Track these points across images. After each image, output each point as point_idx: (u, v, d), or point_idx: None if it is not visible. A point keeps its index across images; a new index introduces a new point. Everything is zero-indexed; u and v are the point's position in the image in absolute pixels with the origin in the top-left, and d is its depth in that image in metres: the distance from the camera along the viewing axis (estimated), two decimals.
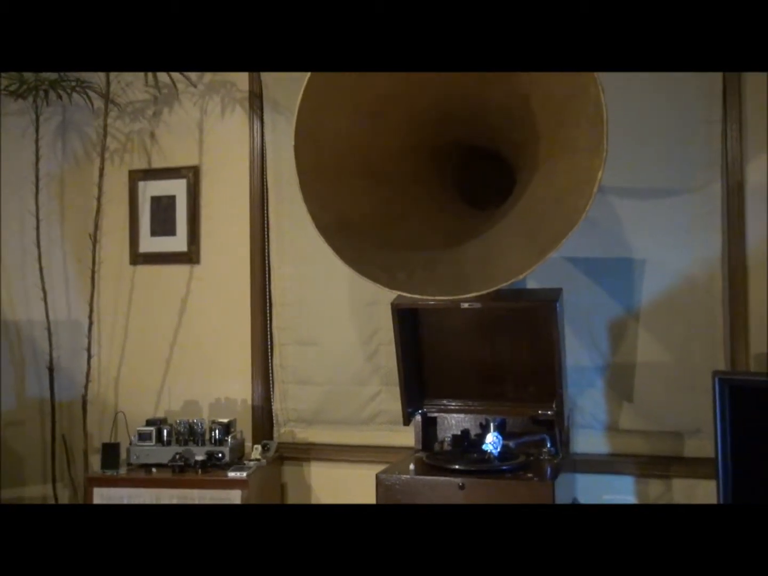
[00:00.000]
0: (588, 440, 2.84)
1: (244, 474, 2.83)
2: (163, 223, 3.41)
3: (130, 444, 3.02)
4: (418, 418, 2.72)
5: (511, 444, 2.49)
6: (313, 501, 3.19)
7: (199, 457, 2.92)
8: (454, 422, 2.72)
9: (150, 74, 3.15)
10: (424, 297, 2.17)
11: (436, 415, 2.74)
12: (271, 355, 3.27)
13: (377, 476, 2.38)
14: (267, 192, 3.28)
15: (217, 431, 3.00)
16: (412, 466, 2.45)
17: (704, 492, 2.66)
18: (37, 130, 3.28)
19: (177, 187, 3.39)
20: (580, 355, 2.82)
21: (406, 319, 2.64)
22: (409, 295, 2.16)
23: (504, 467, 2.36)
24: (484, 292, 2.05)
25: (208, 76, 3.36)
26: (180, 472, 2.90)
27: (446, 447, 2.64)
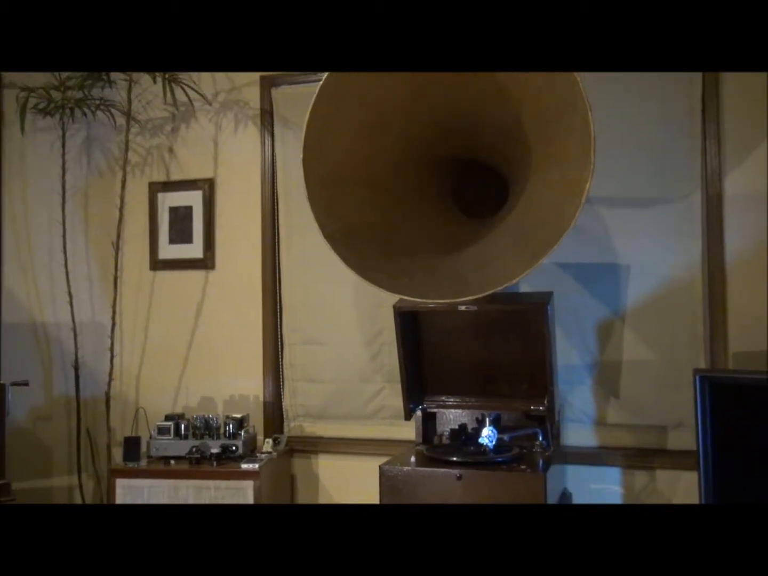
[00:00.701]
0: (577, 434, 2.83)
1: (257, 466, 2.82)
2: (180, 232, 3.40)
3: (150, 438, 3.02)
4: (419, 413, 2.71)
5: (505, 437, 2.48)
6: (321, 491, 3.18)
7: (215, 450, 2.92)
8: (452, 417, 2.71)
9: (168, 93, 3.14)
10: (425, 300, 2.16)
11: (435, 410, 2.73)
12: (282, 354, 3.27)
13: (380, 468, 2.37)
14: (277, 202, 3.28)
15: (231, 426, 3.00)
16: (412, 459, 2.45)
17: (686, 483, 2.66)
18: (63, 146, 3.29)
19: (193, 198, 3.39)
20: (570, 354, 2.81)
21: (408, 321, 2.64)
22: (410, 298, 2.16)
23: (499, 459, 2.35)
24: (480, 295, 2.04)
25: (222, 94, 3.36)
26: (196, 463, 2.89)
27: (445, 440, 2.63)
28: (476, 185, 2.55)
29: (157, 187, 3.45)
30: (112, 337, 3.26)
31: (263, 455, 2.95)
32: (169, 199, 3.43)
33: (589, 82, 1.92)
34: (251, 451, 3.02)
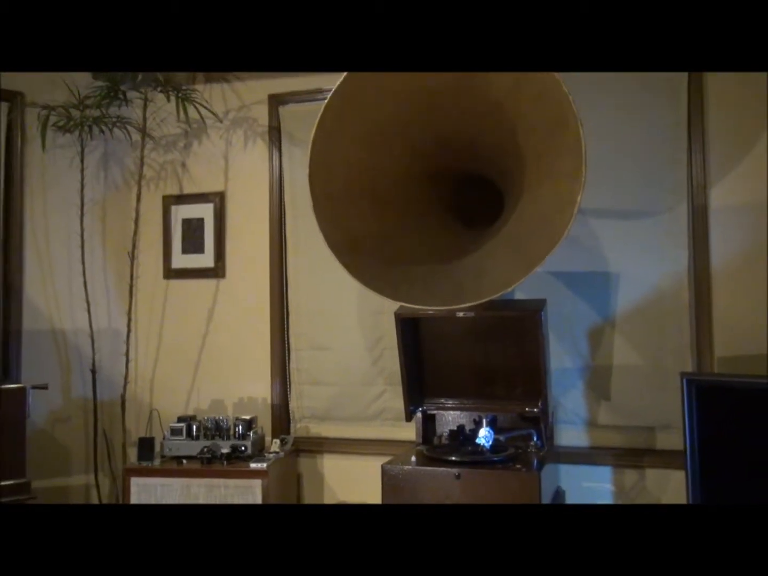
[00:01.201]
0: (570, 434, 2.82)
1: (265, 465, 2.81)
2: (192, 243, 3.40)
3: (164, 438, 3.01)
4: (419, 414, 2.70)
5: (501, 438, 2.47)
6: (326, 489, 3.17)
7: (225, 450, 2.91)
8: (450, 418, 2.70)
9: (181, 111, 3.15)
10: (424, 307, 2.16)
11: (434, 412, 2.72)
12: (288, 359, 3.26)
13: (382, 467, 2.36)
14: (284, 214, 3.28)
15: (240, 427, 2.98)
16: (413, 458, 2.44)
17: (674, 481, 2.64)
18: (82, 161, 3.29)
19: (205, 211, 3.39)
20: (562, 358, 2.80)
21: (408, 327, 2.63)
22: (410, 305, 2.15)
23: (495, 459, 2.34)
24: (477, 302, 2.03)
25: (232, 112, 3.36)
26: (207, 463, 2.88)
27: (444, 441, 2.62)
28: (474, 197, 2.55)
29: (170, 200, 3.45)
30: (127, 343, 3.25)
31: (271, 455, 2.94)
32: (182, 212, 3.43)
33: (578, 98, 1.92)
34: (259, 451, 3.01)
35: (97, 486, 3.33)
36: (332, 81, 2.14)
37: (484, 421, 2.50)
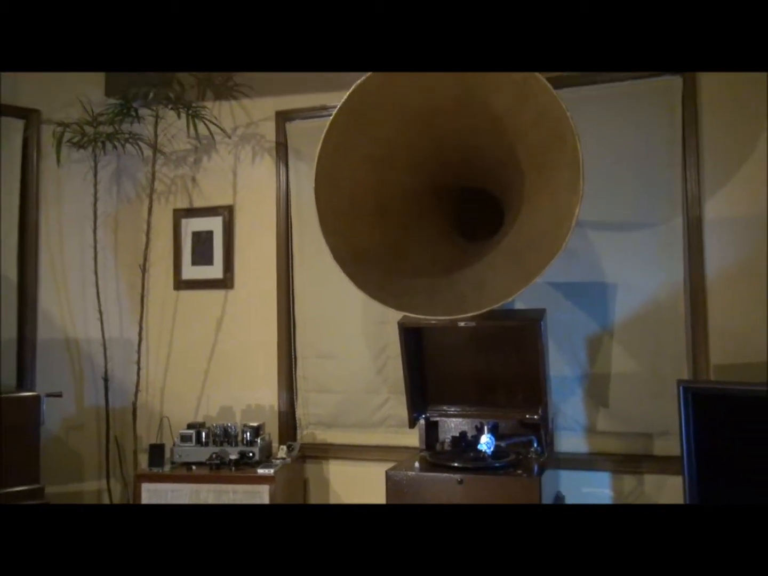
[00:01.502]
0: (570, 441, 2.82)
1: (272, 471, 2.82)
2: (202, 254, 3.42)
3: (174, 445, 3.01)
4: (422, 421, 2.70)
5: (502, 444, 2.47)
6: (332, 494, 3.17)
7: (233, 456, 2.91)
8: (453, 425, 2.71)
9: (191, 127, 3.18)
10: (427, 317, 2.17)
11: (437, 419, 2.72)
12: (295, 367, 3.27)
13: (387, 473, 2.36)
14: (291, 227, 3.30)
15: (248, 433, 2.99)
16: (416, 464, 2.44)
17: (672, 486, 2.64)
18: (95, 176, 3.31)
19: (214, 224, 3.41)
20: (562, 366, 2.80)
21: (411, 336, 2.64)
22: (413, 315, 2.16)
23: (497, 465, 2.34)
24: (478, 312, 2.04)
25: (240, 128, 3.39)
26: (216, 469, 2.88)
27: (446, 447, 2.62)
28: (475, 210, 2.56)
29: (180, 214, 3.47)
30: (138, 352, 3.27)
31: (278, 461, 2.94)
32: (191, 225, 3.45)
33: (575, 112, 1.93)
34: (267, 457, 3.01)
35: (109, 491, 3.33)
36: (337, 98, 2.16)
37: (485, 427, 2.50)
